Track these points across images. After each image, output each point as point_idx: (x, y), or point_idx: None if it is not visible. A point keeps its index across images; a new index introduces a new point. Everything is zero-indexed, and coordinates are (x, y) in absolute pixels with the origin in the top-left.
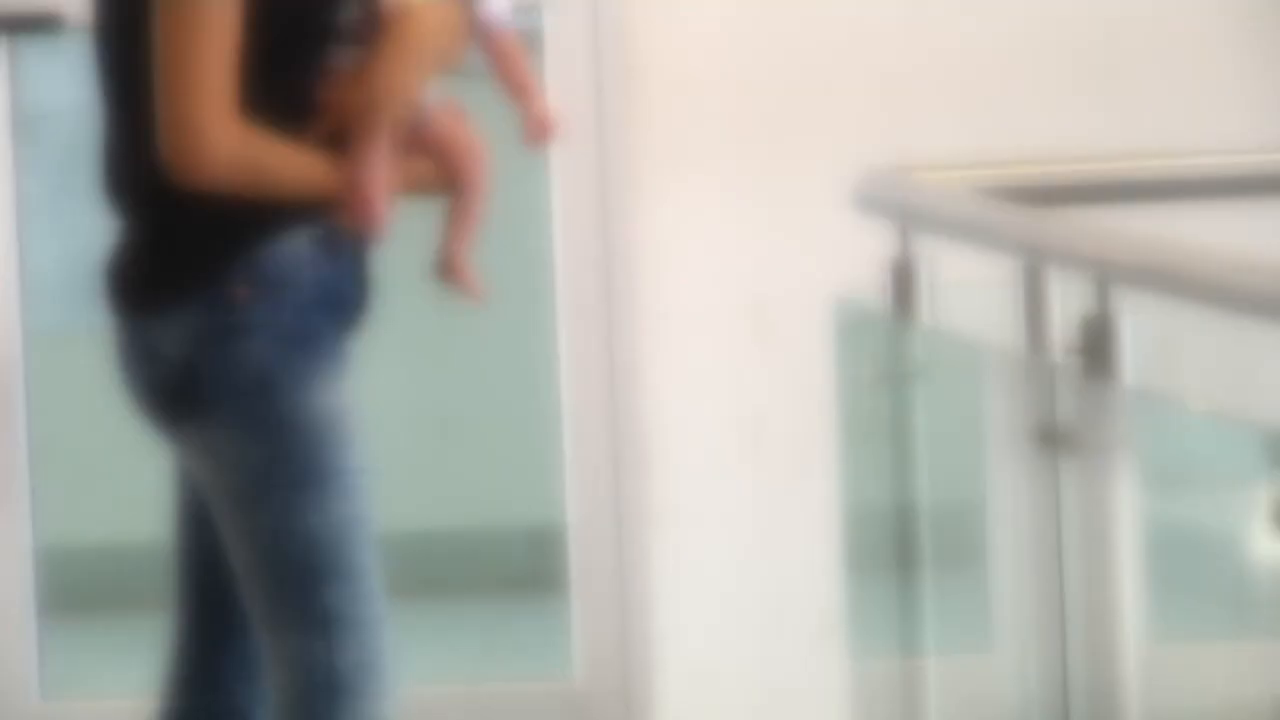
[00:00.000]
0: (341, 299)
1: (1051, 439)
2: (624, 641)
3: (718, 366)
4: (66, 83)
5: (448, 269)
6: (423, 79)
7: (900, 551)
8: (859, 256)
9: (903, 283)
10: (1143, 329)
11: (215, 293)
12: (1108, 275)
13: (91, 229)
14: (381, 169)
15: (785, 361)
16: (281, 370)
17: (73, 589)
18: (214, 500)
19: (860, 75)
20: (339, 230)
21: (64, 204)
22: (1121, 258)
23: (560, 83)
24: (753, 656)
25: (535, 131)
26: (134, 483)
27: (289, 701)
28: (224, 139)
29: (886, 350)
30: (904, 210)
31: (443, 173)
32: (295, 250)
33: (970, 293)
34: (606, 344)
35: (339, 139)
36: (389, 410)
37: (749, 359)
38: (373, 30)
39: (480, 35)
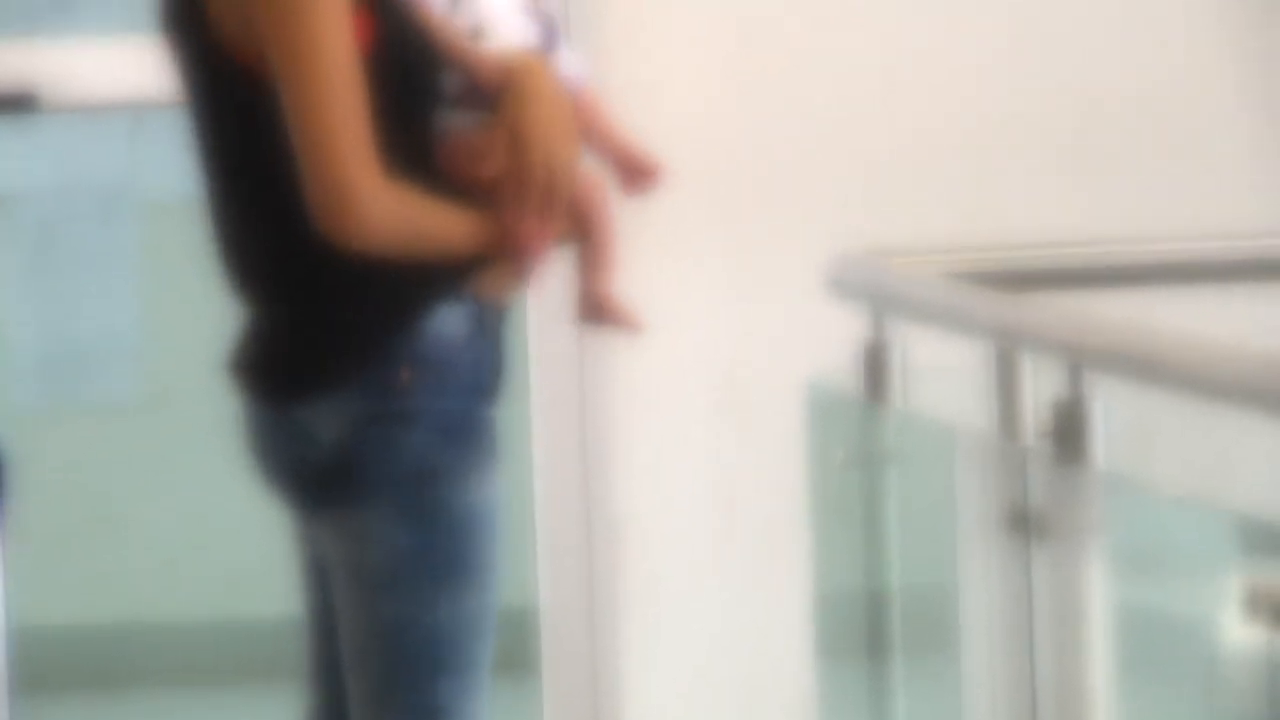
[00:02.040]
0: (492, 379)
1: (1023, 523)
2: None
3: (691, 447)
4: (41, 162)
5: (599, 309)
6: (567, 131)
7: (872, 635)
8: (833, 338)
9: (875, 366)
10: (1115, 414)
11: (376, 376)
12: (1080, 359)
13: (67, 306)
14: (535, 215)
15: (758, 442)
16: (441, 460)
17: (47, 669)
18: (342, 581)
19: (838, 157)
20: (486, 307)
21: (39, 283)
22: (1094, 342)
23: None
24: None
25: (635, 177)
26: (107, 562)
27: None
28: (379, 196)
29: (859, 433)
30: (877, 294)
31: (573, 218)
32: (452, 330)
33: (943, 376)
34: (579, 423)
35: (469, 194)
36: None
37: (722, 440)
38: (478, 96)
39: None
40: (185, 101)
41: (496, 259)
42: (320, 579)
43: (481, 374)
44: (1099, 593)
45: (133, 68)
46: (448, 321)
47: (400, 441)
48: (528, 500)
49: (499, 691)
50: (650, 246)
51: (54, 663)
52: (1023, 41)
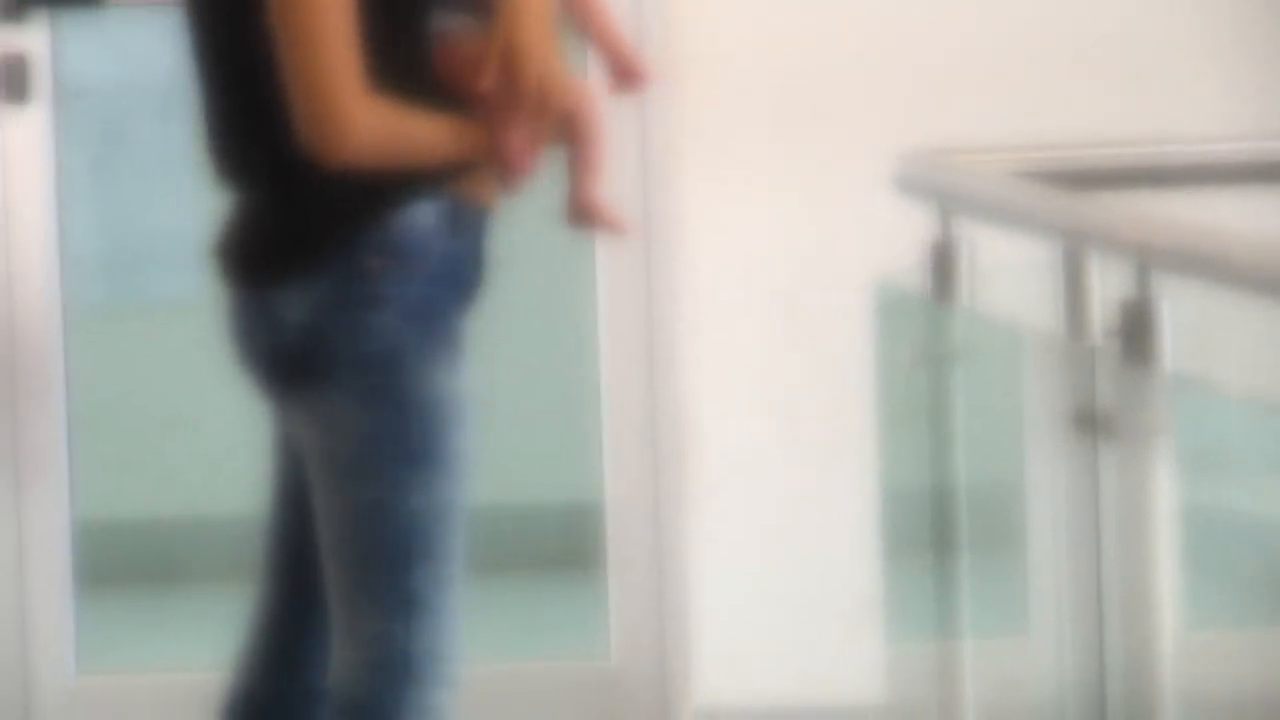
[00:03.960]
0: (464, 275)
1: (1090, 422)
2: (660, 620)
3: (756, 348)
4: (108, 56)
5: (584, 212)
6: (554, 41)
7: (938, 534)
8: (898, 239)
9: (943, 265)
10: (1182, 313)
11: (346, 263)
12: (1148, 259)
13: (132, 202)
14: (525, 127)
15: (824, 342)
16: (407, 345)
17: (109, 564)
18: (315, 471)
19: (899, 60)
20: (463, 204)
21: (104, 180)
22: (1162, 242)
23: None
24: (788, 637)
25: (625, 76)
26: (170, 458)
27: (355, 679)
28: (363, 116)
29: (926, 333)
30: (944, 193)
31: (563, 124)
32: (424, 223)
33: (1010, 276)
34: (646, 325)
35: (462, 101)
36: None
37: (787, 341)
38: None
39: None
40: None
41: (481, 165)
42: (290, 469)
43: (453, 268)
44: (1165, 492)
45: None
46: (420, 214)
47: (364, 324)
48: (594, 400)
49: (564, 587)
50: (717, 150)
51: (117, 557)
52: None
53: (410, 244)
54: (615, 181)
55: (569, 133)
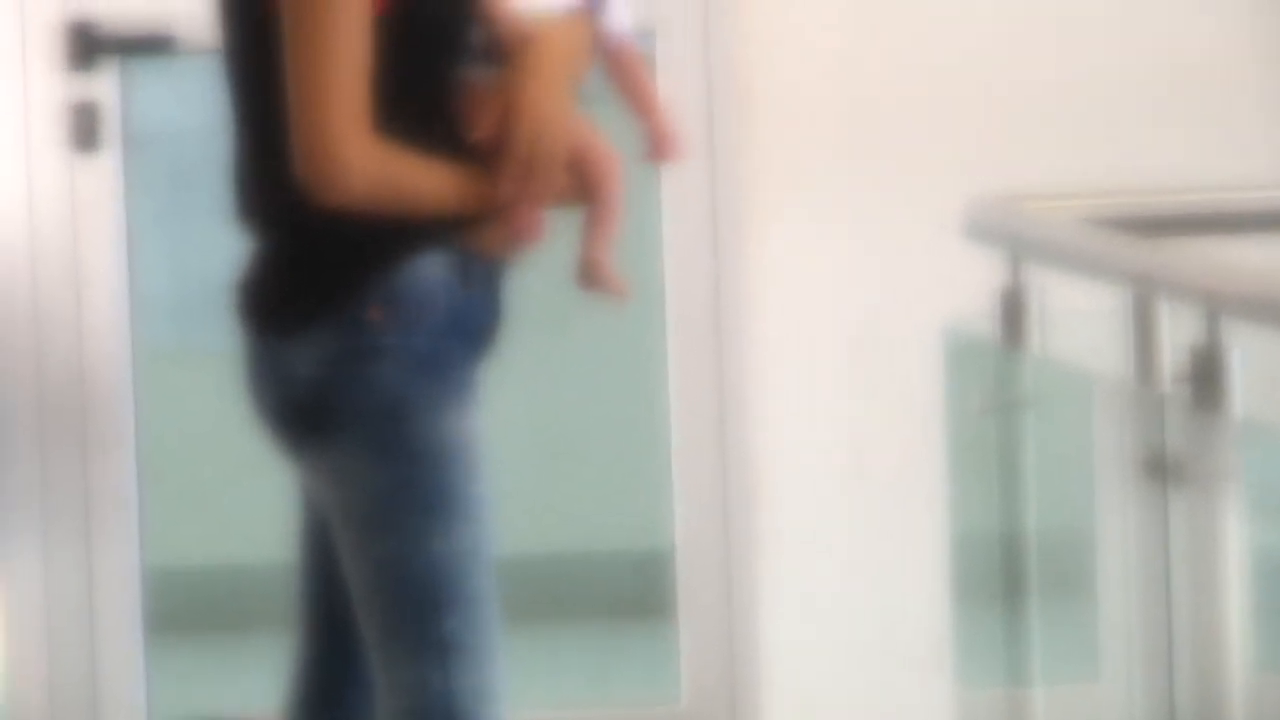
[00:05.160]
0: (475, 325)
1: (1160, 468)
2: (731, 666)
3: (825, 392)
4: (177, 103)
5: (592, 275)
6: (570, 100)
7: (1008, 579)
8: (966, 284)
9: (1013, 311)
10: (1252, 359)
11: (349, 315)
12: (1218, 306)
13: (201, 248)
14: (521, 181)
15: (894, 388)
16: (412, 395)
17: (180, 610)
18: (336, 524)
19: (970, 103)
20: (474, 255)
21: (174, 223)
22: (1232, 289)
23: (671, 107)
24: (860, 683)
25: (658, 146)
26: (242, 503)
27: None
28: (361, 155)
29: (996, 378)
30: (1015, 239)
31: (579, 183)
32: (430, 274)
33: (1080, 322)
34: (716, 369)
35: (475, 151)
36: (499, 435)
37: (856, 385)
38: (500, 50)
39: (602, 49)
40: (217, 25)
41: (487, 219)
42: (314, 519)
43: (464, 320)
44: (1235, 538)
45: None
46: (427, 266)
47: (368, 376)
48: (664, 445)
49: (635, 633)
50: (787, 193)
51: (186, 603)
52: None
53: (415, 295)
54: (686, 225)
55: (585, 191)
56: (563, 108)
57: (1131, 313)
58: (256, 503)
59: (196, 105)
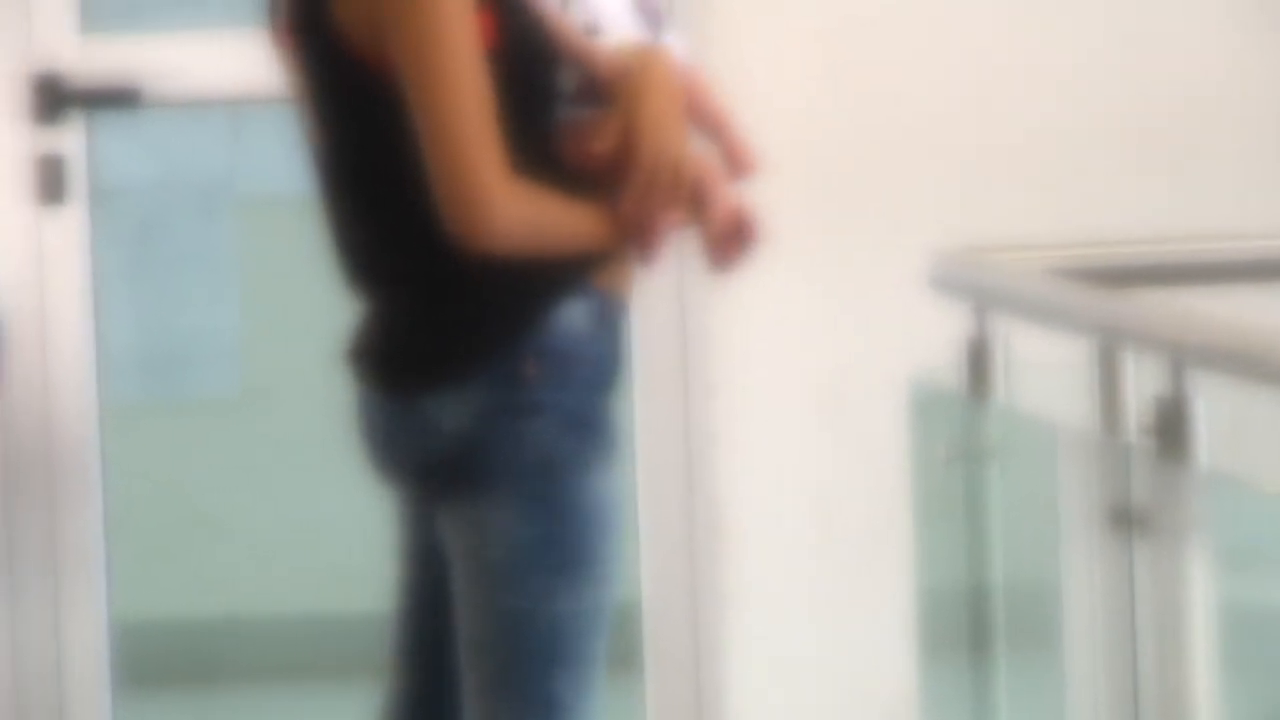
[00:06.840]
0: (612, 374)
1: (1125, 519)
2: (698, 719)
3: (791, 445)
4: (144, 156)
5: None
6: (683, 119)
7: (974, 632)
8: (932, 336)
9: (978, 362)
10: (1217, 410)
11: (503, 369)
12: (1182, 356)
13: (167, 301)
14: (651, 200)
15: (860, 440)
16: (564, 452)
17: (148, 664)
18: (463, 575)
19: (935, 155)
20: (605, 299)
21: (140, 276)
22: (1196, 339)
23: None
24: None
25: (735, 162)
26: (208, 557)
27: None
28: (509, 198)
29: (961, 429)
30: (979, 290)
31: (692, 200)
32: (579, 325)
33: (1045, 373)
34: (681, 422)
35: (588, 187)
36: None
37: (824, 437)
38: (595, 91)
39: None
40: (303, 97)
41: (619, 252)
42: (427, 567)
43: (604, 367)
44: (1201, 589)
45: (235, 63)
46: (573, 315)
47: (523, 432)
48: (631, 499)
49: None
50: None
51: (154, 658)
52: (1122, 38)
53: (565, 346)
54: (652, 277)
55: (696, 209)
56: (680, 126)
57: (1096, 363)
58: (224, 556)
59: (163, 158)
